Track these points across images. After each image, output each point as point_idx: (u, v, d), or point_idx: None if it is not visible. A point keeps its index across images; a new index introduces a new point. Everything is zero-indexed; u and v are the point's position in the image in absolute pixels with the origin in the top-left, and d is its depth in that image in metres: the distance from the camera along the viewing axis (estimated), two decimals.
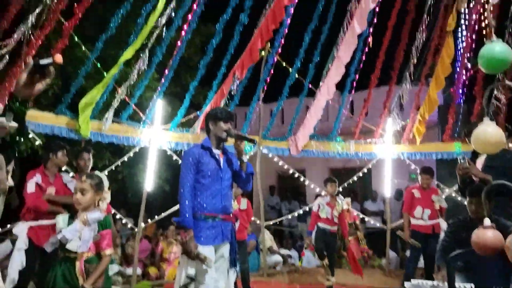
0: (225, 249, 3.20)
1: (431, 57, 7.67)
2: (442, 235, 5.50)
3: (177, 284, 3.17)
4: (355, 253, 6.18)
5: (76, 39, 5.81)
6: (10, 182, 1.53)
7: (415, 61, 7.67)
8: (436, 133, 8.73)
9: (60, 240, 2.78)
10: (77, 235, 2.77)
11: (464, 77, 7.72)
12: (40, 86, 1.59)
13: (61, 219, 2.89)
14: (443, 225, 5.65)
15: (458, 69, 7.76)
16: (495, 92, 6.73)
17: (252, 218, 7.29)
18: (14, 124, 1.55)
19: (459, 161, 3.48)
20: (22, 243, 3.92)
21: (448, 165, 7.90)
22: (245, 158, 3.26)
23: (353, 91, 7.98)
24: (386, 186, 7.57)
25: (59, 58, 1.56)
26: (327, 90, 7.25)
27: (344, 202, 5.91)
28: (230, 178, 3.31)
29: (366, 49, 7.62)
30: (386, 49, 7.68)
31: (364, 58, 7.66)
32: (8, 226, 5.05)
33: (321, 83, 7.40)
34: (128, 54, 5.78)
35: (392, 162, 7.70)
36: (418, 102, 7.88)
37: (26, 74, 1.55)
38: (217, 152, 3.27)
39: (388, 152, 7.65)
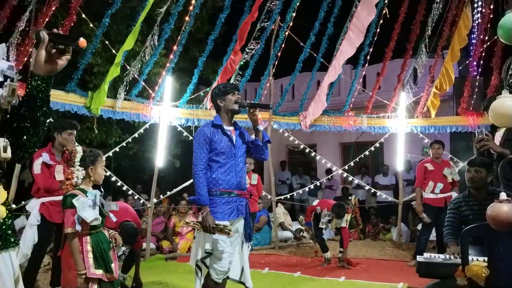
0: (240, 224, 3.22)
1: (448, 28, 7.45)
2: None
3: (193, 259, 3.21)
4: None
5: (83, 15, 5.73)
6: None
7: (430, 32, 7.47)
8: (451, 106, 8.57)
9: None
10: None
11: (480, 49, 7.49)
12: (62, 62, 1.58)
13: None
14: None
15: (474, 41, 7.53)
16: None
17: (264, 193, 7.36)
18: (15, 84, 1.54)
19: (476, 134, 3.39)
20: (34, 219, 3.99)
21: (462, 138, 7.79)
22: (261, 126, 3.24)
23: (366, 65, 7.82)
24: (399, 160, 7.50)
25: (83, 43, 1.54)
26: (338, 64, 7.13)
27: (344, 220, 5.73)
28: (244, 154, 3.29)
29: (380, 21, 7.44)
30: (401, 20, 7.48)
31: (377, 31, 7.47)
32: (23, 202, 5.13)
33: (333, 57, 7.27)
34: (132, 38, 5.75)
35: (405, 136, 7.60)
36: (433, 75, 7.71)
37: (45, 51, 1.54)
38: (228, 129, 3.24)
39: (401, 126, 7.54)
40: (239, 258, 3.25)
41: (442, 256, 3.23)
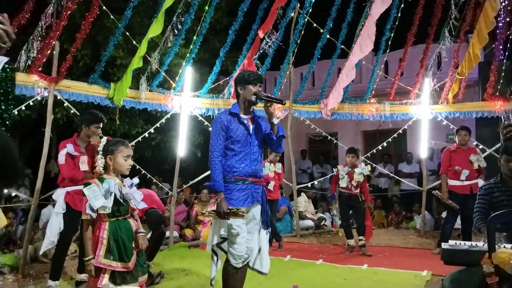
0: (256, 211, 3.23)
1: (471, 12, 7.22)
2: None
3: (209, 245, 3.27)
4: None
5: (104, 8, 5.80)
6: None
7: (454, 16, 7.26)
8: (476, 92, 8.35)
9: None
10: None
11: (507, 32, 7.24)
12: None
13: None
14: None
15: (500, 24, 7.28)
16: None
17: (285, 182, 7.37)
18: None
19: (502, 120, 3.30)
20: (60, 207, 4.11)
21: (488, 124, 7.59)
22: (276, 120, 3.21)
23: (387, 51, 7.67)
24: (423, 147, 7.37)
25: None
26: (359, 49, 7.02)
27: (366, 169, 5.82)
28: (260, 143, 3.28)
29: (401, 5, 7.27)
30: (422, 4, 7.29)
31: (398, 15, 7.31)
32: (49, 192, 5.28)
33: (353, 44, 7.16)
34: (156, 27, 5.79)
35: (429, 122, 7.46)
36: (457, 60, 7.51)
37: None
38: (245, 117, 3.24)
39: (425, 113, 7.40)
40: (256, 245, 3.27)
41: (468, 243, 3.17)
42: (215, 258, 3.25)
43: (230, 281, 3.18)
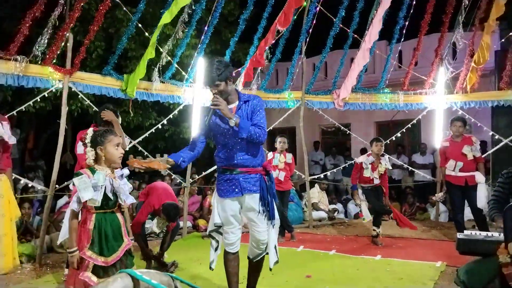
0: (252, 201, 3.15)
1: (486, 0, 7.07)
2: (480, 187, 5.34)
3: (208, 230, 3.37)
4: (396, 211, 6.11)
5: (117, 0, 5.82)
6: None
7: (469, 4, 7.12)
8: (492, 81, 8.19)
9: None
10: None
11: None
12: None
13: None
14: (479, 177, 5.41)
15: None
16: None
17: (297, 173, 7.35)
18: None
19: None
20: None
21: (505, 113, 7.46)
22: (232, 122, 2.99)
23: (401, 40, 7.56)
24: (437, 138, 7.27)
25: None
26: (369, 38, 6.94)
27: (388, 164, 5.79)
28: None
29: None
30: None
31: (413, 3, 7.19)
32: (65, 183, 5.36)
33: (366, 32, 7.08)
34: (166, 18, 5.78)
35: (444, 112, 7.35)
36: (472, 49, 7.37)
37: None
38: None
39: (440, 102, 7.29)
40: (266, 236, 3.21)
41: (483, 233, 3.13)
42: (213, 242, 3.32)
43: (227, 266, 3.27)
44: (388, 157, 5.99)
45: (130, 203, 2.99)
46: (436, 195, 5.72)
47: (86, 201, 2.65)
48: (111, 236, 2.72)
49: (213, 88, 3.08)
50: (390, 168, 5.90)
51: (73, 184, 2.71)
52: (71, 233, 2.71)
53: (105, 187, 2.70)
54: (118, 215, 2.83)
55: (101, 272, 2.66)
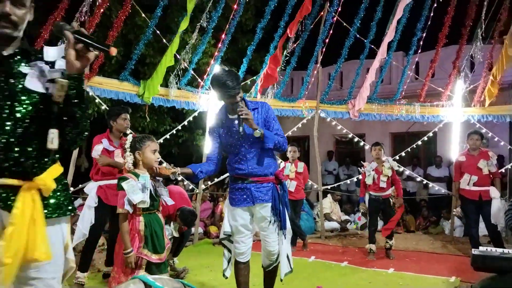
0: (264, 210, 3.12)
1: (506, 12, 6.99)
2: (494, 202, 5.25)
3: (219, 238, 3.37)
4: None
5: (136, 7, 5.91)
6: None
7: (488, 16, 7.04)
8: (510, 95, 8.07)
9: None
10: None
11: None
12: (91, 56, 1.61)
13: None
14: (494, 192, 5.31)
15: None
16: None
17: (310, 183, 7.32)
18: (64, 81, 1.60)
19: None
20: (92, 201, 4.20)
21: None
22: (258, 133, 2.96)
23: (419, 51, 7.51)
24: (453, 151, 7.17)
25: (114, 51, 1.61)
26: (382, 49, 6.92)
27: (393, 162, 5.71)
28: (255, 140, 3.05)
29: (434, 5, 7.11)
30: (455, 4, 7.10)
31: (431, 15, 7.15)
32: (80, 186, 5.42)
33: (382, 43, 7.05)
34: (184, 24, 5.85)
35: (460, 125, 7.25)
36: (491, 62, 7.28)
37: (73, 50, 1.57)
38: (235, 117, 3.07)
39: (457, 115, 7.19)
40: (277, 246, 3.19)
41: (499, 250, 3.07)
42: (225, 251, 3.31)
43: (238, 275, 3.25)
44: (403, 169, 5.89)
45: (170, 204, 3.23)
46: (456, 209, 5.61)
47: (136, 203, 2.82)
48: (161, 234, 2.93)
49: (233, 99, 3.03)
50: (398, 167, 5.80)
51: (120, 189, 2.84)
52: (124, 235, 2.85)
53: (150, 189, 2.88)
54: (160, 215, 3.02)
55: (154, 268, 2.86)
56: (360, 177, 8.50)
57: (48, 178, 1.66)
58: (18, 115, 1.61)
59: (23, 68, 1.65)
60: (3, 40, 1.63)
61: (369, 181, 5.67)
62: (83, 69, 1.62)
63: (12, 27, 1.62)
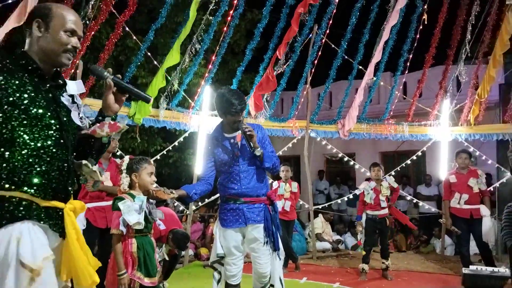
0: (256, 231, 3.10)
1: (490, 34, 7.20)
2: (485, 220, 5.29)
3: (210, 261, 3.32)
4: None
5: (127, 29, 5.97)
6: None
7: (472, 38, 7.24)
8: (497, 114, 8.23)
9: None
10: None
11: None
12: (124, 99, 1.85)
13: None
14: (484, 211, 5.36)
15: None
16: None
17: (301, 202, 7.31)
18: (126, 126, 1.84)
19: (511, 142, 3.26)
20: (80, 223, 4.14)
21: (509, 147, 7.45)
22: (258, 152, 3.03)
23: (406, 72, 7.66)
24: (442, 170, 7.25)
25: (151, 100, 1.90)
26: (369, 70, 7.06)
27: (391, 181, 5.75)
28: (252, 159, 3.10)
29: (420, 27, 7.30)
30: (441, 26, 7.30)
31: (417, 37, 7.33)
32: None
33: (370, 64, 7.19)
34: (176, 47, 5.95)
35: (448, 144, 7.35)
36: (476, 82, 7.45)
37: (111, 93, 1.79)
38: (231, 136, 3.14)
39: (445, 134, 7.30)
40: (268, 267, 3.15)
41: (490, 269, 3.10)
42: (215, 274, 3.27)
43: None
44: (393, 180, 5.91)
45: (162, 229, 3.25)
46: (452, 227, 5.62)
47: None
48: (153, 257, 2.91)
49: (237, 117, 3.07)
50: (396, 185, 5.86)
51: (115, 209, 2.83)
52: (118, 256, 2.82)
53: (145, 211, 2.86)
54: (152, 238, 2.99)
55: None
56: (351, 196, 8.61)
57: (76, 201, 1.78)
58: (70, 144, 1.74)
59: (63, 99, 1.77)
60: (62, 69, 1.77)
61: (368, 199, 5.67)
62: (118, 110, 1.81)
63: None
